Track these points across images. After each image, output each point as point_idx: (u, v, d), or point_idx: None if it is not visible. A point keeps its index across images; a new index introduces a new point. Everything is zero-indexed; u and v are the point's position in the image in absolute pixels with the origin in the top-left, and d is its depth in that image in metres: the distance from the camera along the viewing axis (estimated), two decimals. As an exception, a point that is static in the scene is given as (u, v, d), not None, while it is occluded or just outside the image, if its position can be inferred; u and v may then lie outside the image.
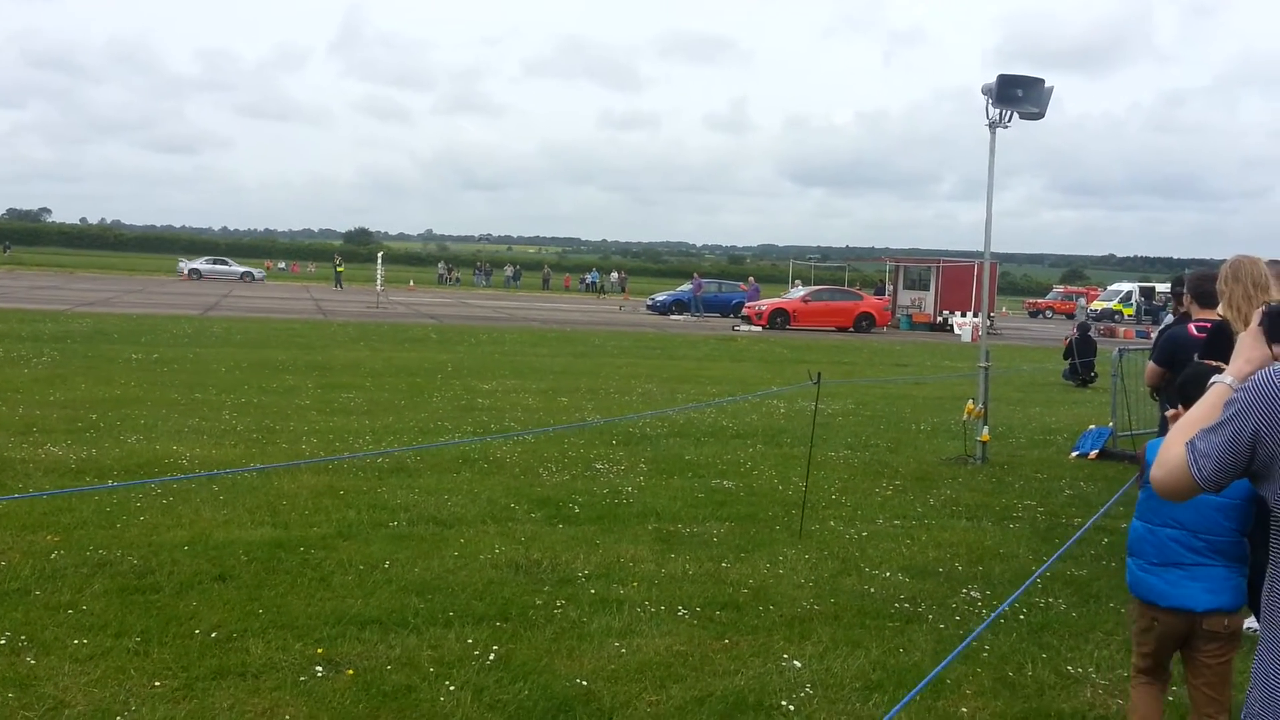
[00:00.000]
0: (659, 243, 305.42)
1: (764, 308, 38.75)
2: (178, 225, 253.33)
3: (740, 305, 42.45)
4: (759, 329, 36.54)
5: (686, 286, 48.45)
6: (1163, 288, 62.21)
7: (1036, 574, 6.13)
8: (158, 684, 4.40)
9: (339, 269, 61.82)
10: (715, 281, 55.15)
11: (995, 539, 7.64)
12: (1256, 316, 2.20)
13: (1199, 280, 6.07)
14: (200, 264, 64.94)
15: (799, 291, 41.83)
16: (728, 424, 12.74)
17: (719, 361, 22.89)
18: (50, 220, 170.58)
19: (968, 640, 4.85)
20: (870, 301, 41.07)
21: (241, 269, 66.22)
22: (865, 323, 38.66)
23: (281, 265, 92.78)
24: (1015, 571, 6.71)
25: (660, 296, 48.79)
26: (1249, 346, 2.15)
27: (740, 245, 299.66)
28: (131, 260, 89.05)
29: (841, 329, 38.08)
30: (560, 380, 17.01)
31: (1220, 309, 5.37)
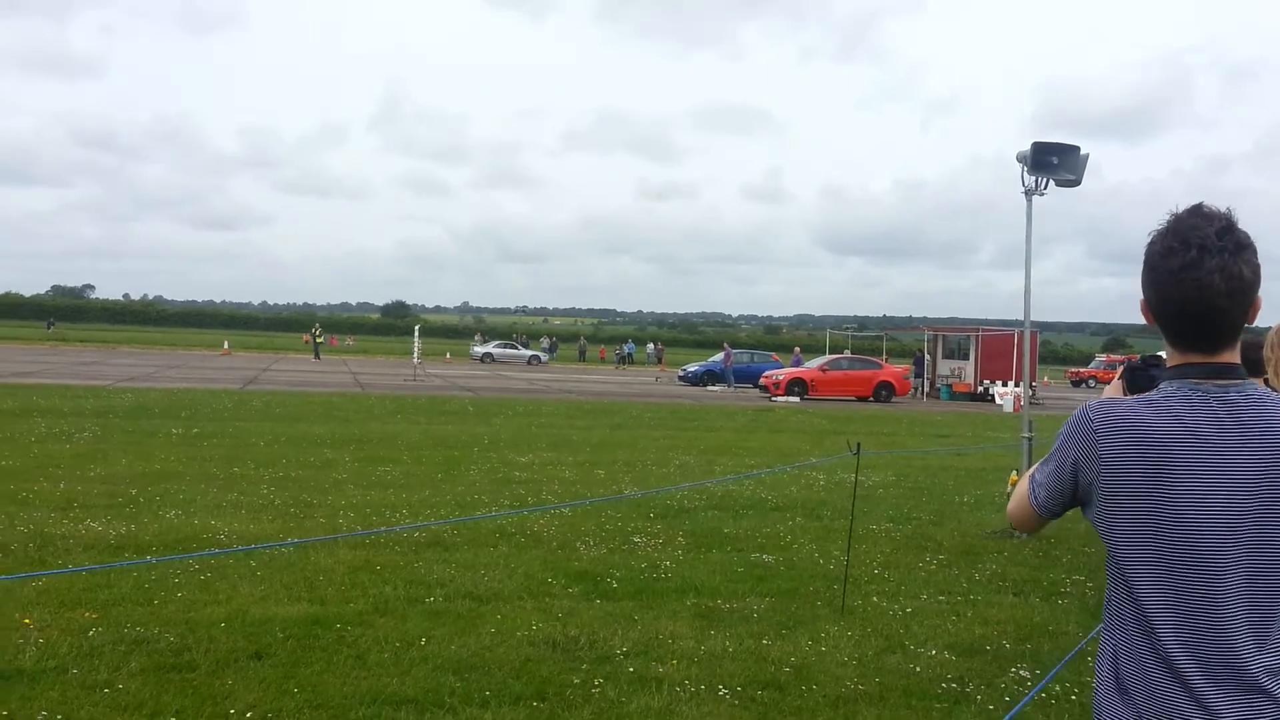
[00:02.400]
0: (694, 313, 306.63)
1: (781, 377, 38.58)
2: (218, 300, 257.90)
3: None
4: (794, 399, 36.35)
5: (718, 357, 48.37)
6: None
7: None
8: (192, 766, 4.34)
9: (318, 339, 59.80)
10: (747, 351, 55.01)
11: (1044, 615, 7.46)
12: (1120, 369, 2.33)
13: (1243, 348, 5.96)
14: (491, 348, 66.46)
15: (817, 361, 41.63)
16: (766, 496, 12.61)
17: (756, 433, 22.77)
18: (94, 296, 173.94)
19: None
20: (890, 370, 40.56)
21: (529, 352, 67.25)
22: (885, 392, 38.31)
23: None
24: (1065, 649, 6.53)
25: (692, 367, 48.78)
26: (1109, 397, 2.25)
27: (776, 315, 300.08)
28: (173, 335, 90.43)
29: (861, 398, 37.78)
30: (597, 453, 16.96)
31: (1269, 376, 5.26)
